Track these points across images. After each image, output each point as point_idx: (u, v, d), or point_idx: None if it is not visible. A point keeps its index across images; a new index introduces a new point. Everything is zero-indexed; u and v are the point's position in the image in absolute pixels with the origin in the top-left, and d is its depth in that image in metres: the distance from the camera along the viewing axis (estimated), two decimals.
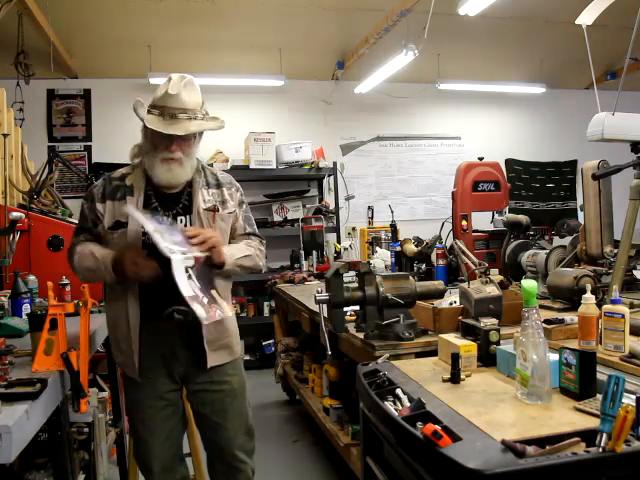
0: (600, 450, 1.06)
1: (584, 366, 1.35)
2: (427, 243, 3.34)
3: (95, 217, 1.95)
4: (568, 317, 1.98)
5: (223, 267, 1.90)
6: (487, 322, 1.77)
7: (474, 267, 2.33)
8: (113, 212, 1.92)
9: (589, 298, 1.69)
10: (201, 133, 1.98)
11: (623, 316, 1.64)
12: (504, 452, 1.07)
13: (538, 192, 7.12)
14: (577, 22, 2.52)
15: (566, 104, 6.80)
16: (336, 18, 5.11)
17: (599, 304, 1.78)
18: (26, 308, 2.48)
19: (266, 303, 5.68)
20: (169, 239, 1.75)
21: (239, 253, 1.97)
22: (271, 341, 5.48)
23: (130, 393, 2.04)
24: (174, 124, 1.83)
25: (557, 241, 4.91)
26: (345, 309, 2.24)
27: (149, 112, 1.88)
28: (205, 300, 1.75)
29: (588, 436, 1.10)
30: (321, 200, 6.10)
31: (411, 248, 3.42)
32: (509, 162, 6.88)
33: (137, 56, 5.32)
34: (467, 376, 1.58)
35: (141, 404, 1.99)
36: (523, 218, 3.41)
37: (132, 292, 1.90)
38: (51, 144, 5.70)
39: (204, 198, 2.00)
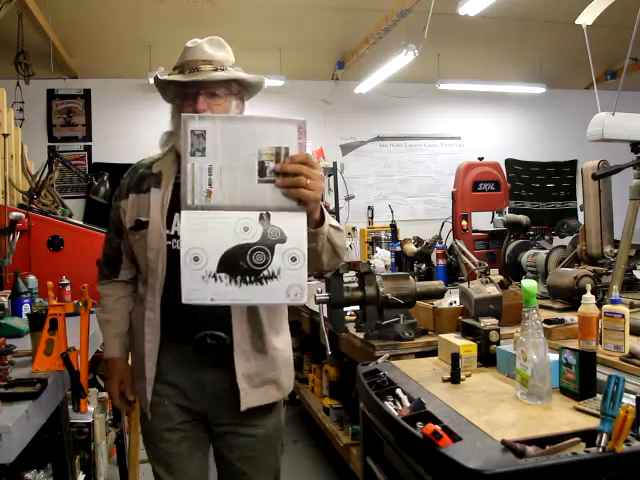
0: (600, 450, 1.06)
1: (584, 366, 1.35)
2: (427, 243, 3.34)
3: (119, 221, 1.61)
4: (568, 317, 1.98)
5: (320, 225, 1.36)
6: (487, 322, 1.77)
7: (474, 267, 2.33)
8: (136, 208, 1.56)
9: (589, 298, 1.68)
10: (241, 98, 1.58)
11: (623, 316, 1.64)
12: (504, 452, 1.07)
13: (538, 192, 7.12)
14: (577, 22, 2.52)
15: (566, 104, 6.80)
16: (336, 18, 5.11)
17: (599, 304, 1.78)
18: (26, 308, 2.48)
19: None
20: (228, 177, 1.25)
21: (331, 219, 1.46)
22: None
23: (143, 424, 1.68)
24: (195, 76, 1.48)
25: (557, 241, 4.91)
26: (345, 309, 2.24)
27: (169, 76, 1.56)
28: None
29: (588, 436, 1.10)
30: (321, 200, 6.10)
31: (411, 248, 3.42)
32: (509, 162, 6.89)
33: (137, 56, 5.32)
34: (467, 376, 1.58)
35: (154, 438, 1.63)
36: (523, 218, 3.41)
37: (152, 305, 1.53)
38: (51, 144, 5.71)
39: None
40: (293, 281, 1.26)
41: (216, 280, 1.24)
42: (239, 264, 1.24)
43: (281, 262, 1.25)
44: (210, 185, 1.23)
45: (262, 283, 1.25)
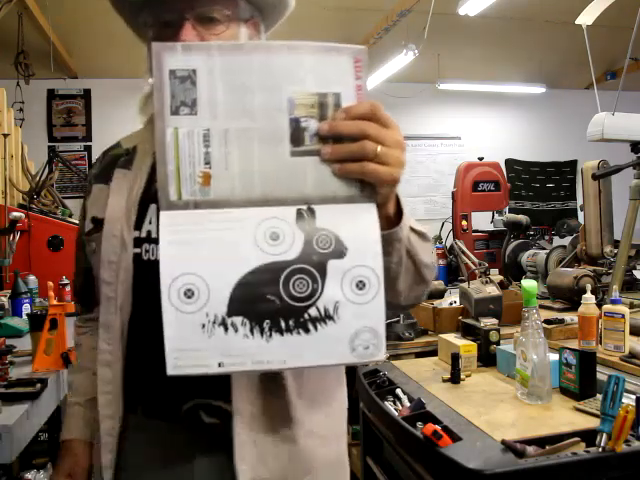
0: (600, 450, 1.06)
1: (584, 366, 1.35)
2: None
3: (84, 230, 1.02)
4: (568, 317, 1.98)
5: (396, 225, 0.76)
6: (487, 322, 1.77)
7: (474, 267, 2.33)
8: (98, 203, 0.98)
9: (589, 298, 1.69)
10: (256, 27, 0.97)
11: (623, 316, 1.65)
12: (504, 452, 1.07)
13: (538, 192, 7.12)
14: (577, 22, 2.52)
15: (566, 104, 6.80)
16: (336, 18, 5.10)
17: (599, 304, 1.78)
18: (26, 308, 2.48)
19: None
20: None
21: (411, 218, 0.83)
22: None
23: None
24: None
25: (557, 241, 4.91)
26: None
27: None
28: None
29: (588, 436, 1.10)
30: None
31: None
32: (509, 162, 6.89)
33: (137, 56, 5.32)
34: (467, 376, 1.58)
35: None
36: (523, 218, 3.42)
37: (108, 357, 0.92)
38: (51, 144, 5.71)
39: None
40: (362, 323, 0.71)
41: (227, 330, 0.69)
42: (266, 299, 0.69)
43: (340, 292, 0.70)
44: (208, 164, 0.70)
45: (308, 330, 0.70)
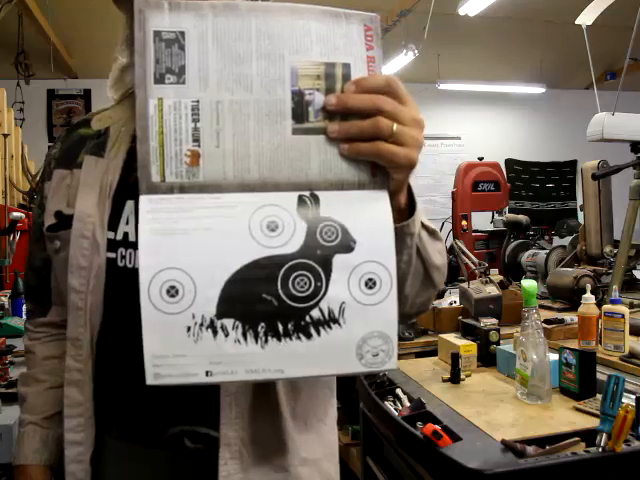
0: (600, 450, 1.06)
1: (584, 366, 1.35)
2: None
3: (42, 221, 0.87)
4: (568, 317, 1.98)
5: (409, 217, 0.66)
6: (487, 322, 1.77)
7: (474, 267, 2.33)
8: (62, 193, 0.85)
9: (589, 298, 1.69)
10: None
11: (623, 316, 1.65)
12: (504, 452, 1.08)
13: (538, 192, 7.13)
14: (577, 22, 2.52)
15: (566, 104, 6.80)
16: None
17: (599, 304, 1.78)
18: None
19: None
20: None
21: (423, 216, 0.74)
22: None
23: None
24: None
25: (557, 241, 4.91)
26: None
27: None
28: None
29: (588, 436, 1.10)
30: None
31: None
32: (509, 162, 6.89)
33: None
34: (467, 376, 1.58)
35: None
36: (523, 218, 3.42)
37: (76, 375, 0.80)
38: (51, 144, 5.71)
39: None
40: (371, 327, 0.61)
41: (216, 334, 0.59)
42: (261, 299, 0.59)
43: (347, 291, 0.60)
44: (196, 142, 0.61)
45: (309, 335, 0.60)
